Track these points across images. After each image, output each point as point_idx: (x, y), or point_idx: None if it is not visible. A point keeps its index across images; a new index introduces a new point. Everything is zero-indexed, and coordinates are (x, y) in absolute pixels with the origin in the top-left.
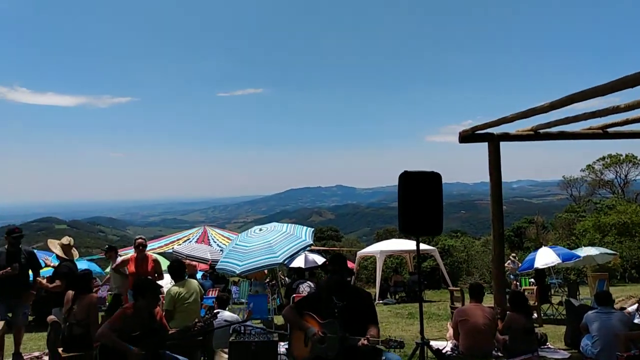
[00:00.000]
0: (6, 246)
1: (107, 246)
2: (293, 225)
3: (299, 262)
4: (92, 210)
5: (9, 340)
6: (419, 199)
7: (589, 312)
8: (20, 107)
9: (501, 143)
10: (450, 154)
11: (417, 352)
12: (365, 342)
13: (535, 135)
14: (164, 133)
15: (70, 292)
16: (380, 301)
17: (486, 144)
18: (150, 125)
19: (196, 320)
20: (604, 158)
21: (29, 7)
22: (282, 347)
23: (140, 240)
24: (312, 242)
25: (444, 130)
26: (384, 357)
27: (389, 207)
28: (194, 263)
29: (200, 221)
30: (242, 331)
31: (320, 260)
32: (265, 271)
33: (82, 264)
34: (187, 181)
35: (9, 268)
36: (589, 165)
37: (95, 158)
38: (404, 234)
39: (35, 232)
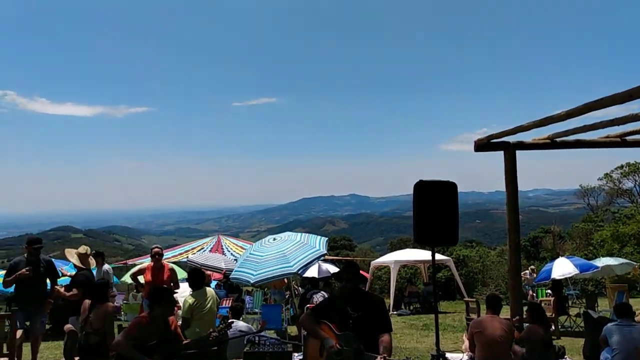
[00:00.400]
0: (26, 255)
1: (94, 251)
2: (307, 234)
3: (312, 272)
4: (108, 220)
5: (26, 348)
6: (434, 209)
7: (609, 325)
8: (40, 117)
9: (517, 152)
10: (465, 163)
11: None
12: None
13: (551, 143)
14: (179, 142)
15: (87, 301)
16: (395, 312)
17: (502, 152)
18: (165, 134)
19: (211, 330)
20: (622, 166)
21: (48, 19)
22: (296, 357)
23: (156, 249)
24: (326, 252)
25: (458, 139)
26: None
27: (403, 217)
28: (208, 272)
29: (214, 230)
30: (257, 341)
31: (333, 269)
32: (285, 280)
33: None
34: (201, 190)
35: (24, 270)
36: (607, 173)
37: (112, 167)
38: (419, 244)
39: (52, 241)
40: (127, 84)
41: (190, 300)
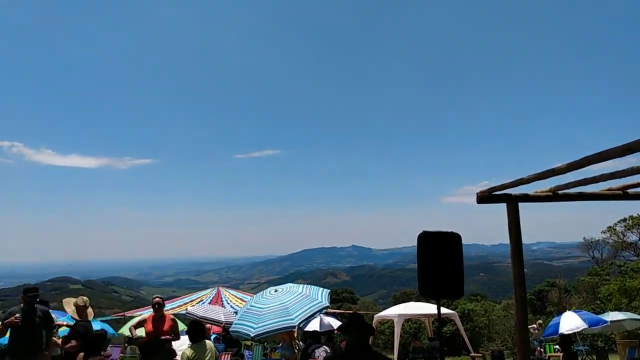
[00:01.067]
0: (22, 305)
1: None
2: (309, 286)
3: (314, 326)
4: (107, 270)
5: None
6: (438, 260)
7: None
8: (46, 169)
9: (520, 204)
10: (468, 215)
11: None
12: None
13: (554, 196)
14: (181, 194)
15: (81, 354)
16: None
17: (504, 204)
18: (168, 185)
19: None
20: (625, 220)
21: (53, 69)
22: None
23: (157, 299)
24: (328, 304)
25: (460, 191)
26: None
27: (406, 269)
28: (207, 325)
29: (214, 281)
30: None
31: (336, 323)
32: (295, 334)
33: (95, 325)
34: (202, 241)
35: (14, 318)
36: (610, 227)
37: (113, 218)
38: (424, 297)
39: (50, 292)
40: (133, 136)
41: (189, 352)
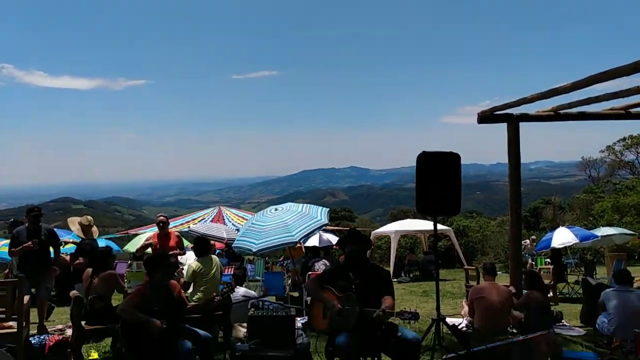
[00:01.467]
0: (26, 224)
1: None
2: (308, 205)
3: (313, 242)
4: (108, 191)
5: (33, 313)
6: (437, 180)
7: (607, 290)
8: (37, 90)
9: (520, 124)
10: (467, 135)
11: (433, 328)
12: (381, 313)
13: (555, 116)
14: (178, 114)
15: (89, 270)
16: (395, 279)
17: (504, 124)
18: (164, 107)
19: (214, 294)
20: (624, 139)
21: None
22: (299, 321)
23: (161, 217)
24: (327, 222)
25: (460, 111)
26: (399, 333)
27: (403, 188)
28: (212, 242)
29: (215, 201)
30: (260, 306)
31: (334, 239)
32: (303, 249)
33: (100, 242)
34: (202, 162)
35: (30, 243)
36: (609, 146)
37: (110, 140)
38: (421, 214)
39: (53, 212)
40: (126, 57)
41: (195, 265)
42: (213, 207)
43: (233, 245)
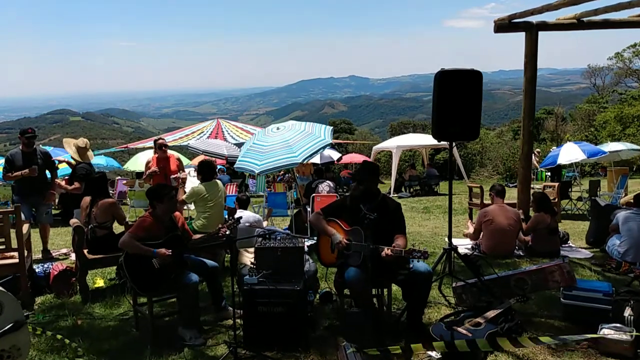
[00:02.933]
0: (20, 147)
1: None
2: (311, 123)
3: (314, 159)
4: (105, 102)
5: (35, 235)
6: (456, 101)
7: (623, 212)
8: None
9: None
10: (470, 41)
11: (444, 258)
12: (389, 252)
13: (578, 24)
14: (173, 22)
15: (87, 198)
16: (395, 195)
17: (514, 33)
18: (160, 13)
19: (220, 226)
20: (635, 45)
21: None
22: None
23: (161, 140)
24: (331, 141)
25: (464, 14)
26: (410, 265)
27: (403, 98)
28: (212, 159)
29: (213, 113)
30: (267, 236)
31: (335, 155)
32: (312, 167)
33: (100, 160)
34: (198, 72)
35: (28, 170)
36: (618, 52)
37: (103, 48)
38: (438, 140)
39: (51, 125)
40: None
41: (198, 189)
42: (211, 120)
43: (235, 166)
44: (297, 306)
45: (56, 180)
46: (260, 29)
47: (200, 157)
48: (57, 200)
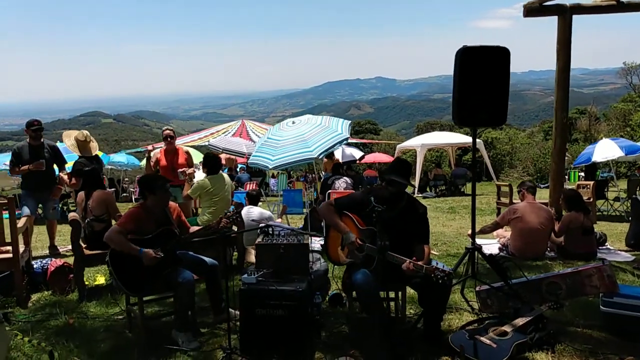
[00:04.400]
0: (28, 140)
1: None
2: (328, 117)
3: (335, 156)
4: (136, 104)
5: (37, 229)
6: (480, 81)
7: None
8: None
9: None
10: (498, 41)
11: (466, 258)
12: (411, 266)
13: (617, 5)
14: (200, 25)
15: (82, 193)
16: (419, 195)
17: (546, 27)
18: (187, 17)
19: (220, 216)
20: None
21: None
22: (317, 243)
23: (167, 131)
24: (349, 136)
25: (492, 14)
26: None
27: (430, 99)
28: (231, 157)
29: (240, 115)
30: (271, 232)
31: (357, 154)
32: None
33: (120, 157)
34: (225, 75)
35: (36, 164)
36: None
37: (137, 51)
38: (459, 126)
39: (83, 126)
40: None
41: (203, 182)
42: (236, 121)
43: (249, 161)
44: (299, 309)
45: (60, 174)
46: (287, 31)
47: (222, 156)
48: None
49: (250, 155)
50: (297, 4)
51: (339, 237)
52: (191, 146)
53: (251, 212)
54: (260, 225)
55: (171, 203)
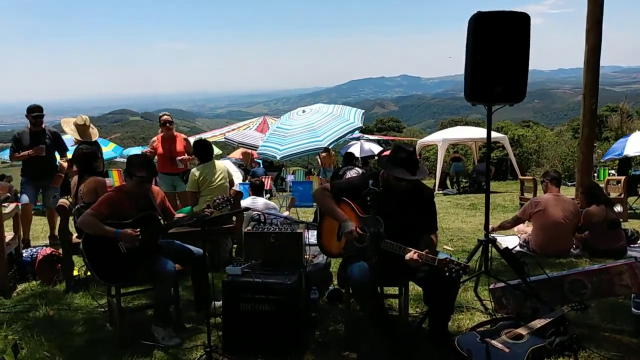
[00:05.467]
0: (29, 125)
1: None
2: (340, 106)
3: (354, 151)
4: (162, 103)
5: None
6: (496, 52)
7: None
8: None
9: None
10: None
11: (479, 251)
12: (415, 256)
13: None
14: (227, 24)
15: (76, 177)
16: (440, 191)
17: (578, 25)
18: (212, 15)
19: (208, 204)
20: None
21: None
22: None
23: (165, 116)
24: (361, 125)
25: (520, 9)
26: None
27: (457, 98)
28: (248, 151)
29: (264, 113)
30: (264, 220)
31: (377, 149)
32: (333, 157)
33: (137, 150)
34: (250, 73)
35: (36, 149)
36: None
37: (165, 51)
38: (472, 102)
39: (112, 124)
40: None
41: (197, 173)
42: (258, 117)
43: (257, 152)
44: (287, 304)
45: (60, 161)
46: (311, 30)
47: (239, 150)
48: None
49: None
50: (323, 2)
51: (334, 226)
52: (212, 142)
53: (255, 204)
54: (253, 212)
55: (155, 187)
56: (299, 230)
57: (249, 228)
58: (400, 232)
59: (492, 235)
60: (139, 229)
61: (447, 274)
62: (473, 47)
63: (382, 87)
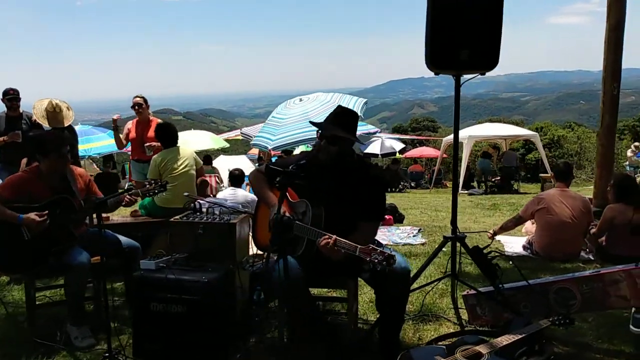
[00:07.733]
0: (5, 110)
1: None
2: (340, 94)
3: (374, 148)
4: (203, 103)
5: None
6: (462, 9)
7: None
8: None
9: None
10: (572, 38)
11: (444, 249)
12: (331, 242)
13: None
14: (267, 26)
15: (24, 160)
16: (465, 191)
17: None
18: (251, 17)
19: (146, 184)
20: None
21: None
22: None
23: (137, 99)
24: (361, 114)
25: (568, 10)
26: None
27: (498, 98)
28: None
29: None
30: (199, 208)
31: (398, 146)
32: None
33: None
34: (288, 74)
35: (11, 134)
36: None
37: (206, 52)
38: (434, 69)
39: None
40: None
41: (158, 159)
42: None
43: (251, 142)
44: (202, 306)
45: None
46: (350, 31)
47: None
48: None
49: None
50: (361, 3)
51: (268, 215)
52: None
53: (235, 195)
54: (192, 202)
55: (79, 169)
56: (233, 221)
57: (177, 217)
58: (335, 217)
59: (495, 238)
60: (46, 213)
61: (370, 265)
62: (434, 4)
63: (421, 87)
